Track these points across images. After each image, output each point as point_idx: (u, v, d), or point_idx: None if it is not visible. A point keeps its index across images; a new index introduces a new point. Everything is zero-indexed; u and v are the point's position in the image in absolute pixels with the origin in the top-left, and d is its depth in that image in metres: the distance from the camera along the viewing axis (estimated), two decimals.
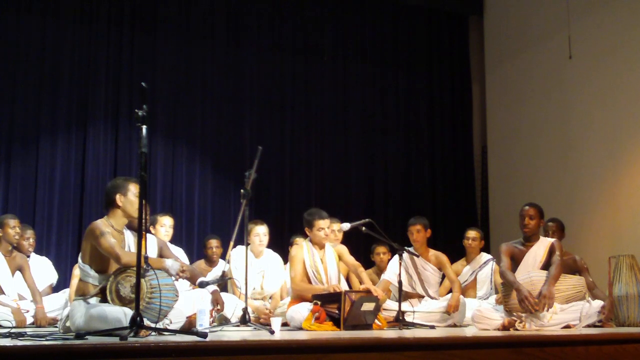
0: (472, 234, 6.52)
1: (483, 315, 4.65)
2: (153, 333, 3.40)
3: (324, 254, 5.26)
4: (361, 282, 5.29)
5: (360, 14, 8.96)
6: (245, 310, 4.64)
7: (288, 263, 5.47)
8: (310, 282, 5.12)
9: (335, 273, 5.24)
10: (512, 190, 8.34)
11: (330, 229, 5.65)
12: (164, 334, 3.46)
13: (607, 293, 5.37)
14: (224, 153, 8.03)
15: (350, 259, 5.38)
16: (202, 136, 7.97)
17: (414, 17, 9.22)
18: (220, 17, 8.20)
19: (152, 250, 4.35)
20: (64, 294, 5.90)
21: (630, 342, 3.75)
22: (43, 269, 6.20)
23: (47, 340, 3.17)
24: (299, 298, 5.04)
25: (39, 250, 6.62)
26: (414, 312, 5.55)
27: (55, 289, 6.27)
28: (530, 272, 4.74)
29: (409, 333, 4.29)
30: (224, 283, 5.43)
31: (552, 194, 7.64)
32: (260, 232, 5.82)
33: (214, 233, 6.80)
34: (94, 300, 3.87)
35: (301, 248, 5.25)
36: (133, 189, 4.03)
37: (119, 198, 4.02)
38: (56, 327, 4.68)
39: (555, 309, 4.62)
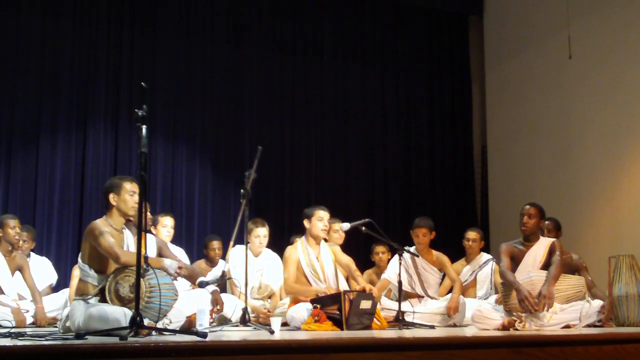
0: (472, 234, 6.50)
1: (483, 315, 4.65)
2: (153, 333, 3.40)
3: (319, 252, 5.22)
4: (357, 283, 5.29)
5: (360, 14, 8.96)
6: (245, 310, 4.63)
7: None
8: (307, 280, 5.10)
9: (332, 271, 5.21)
10: (512, 190, 8.34)
11: (333, 229, 5.64)
12: (163, 334, 3.46)
13: (607, 293, 5.36)
14: (224, 153, 8.03)
15: (344, 258, 5.37)
16: (202, 136, 7.97)
17: (414, 17, 9.21)
18: (220, 17, 8.20)
19: (151, 250, 4.36)
20: (64, 294, 5.90)
21: (630, 342, 3.75)
22: (43, 269, 6.20)
23: (47, 340, 3.18)
24: (297, 298, 5.03)
25: (39, 250, 6.62)
26: (413, 312, 5.55)
27: (55, 289, 6.26)
28: (530, 272, 4.73)
29: (409, 333, 4.29)
30: (223, 283, 5.43)
31: (552, 193, 7.63)
32: (260, 234, 5.82)
33: (214, 233, 6.79)
34: (93, 300, 3.87)
35: (295, 248, 5.21)
36: (127, 187, 4.04)
37: (112, 198, 4.05)
38: (56, 327, 4.69)
39: (555, 308, 4.62)
